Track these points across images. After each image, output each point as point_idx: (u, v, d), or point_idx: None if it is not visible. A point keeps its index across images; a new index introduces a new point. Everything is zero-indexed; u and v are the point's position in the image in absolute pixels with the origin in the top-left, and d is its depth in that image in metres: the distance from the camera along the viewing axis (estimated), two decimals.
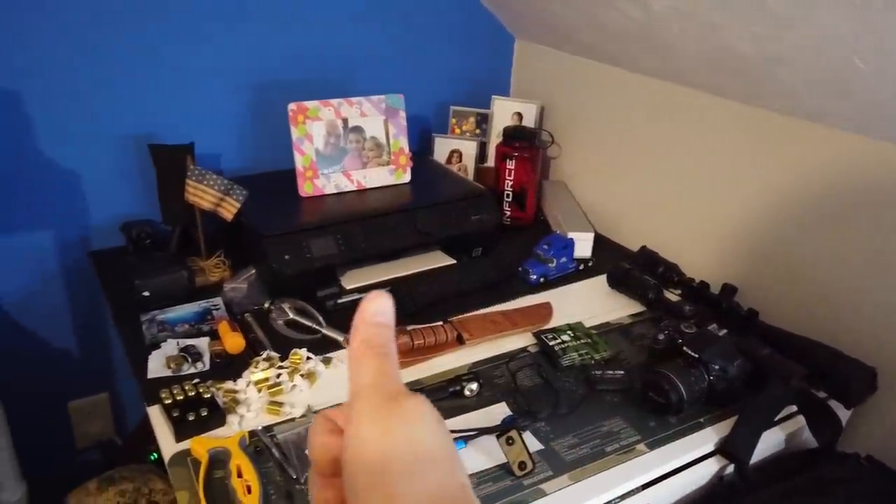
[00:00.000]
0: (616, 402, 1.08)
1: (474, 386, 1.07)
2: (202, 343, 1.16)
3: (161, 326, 1.21)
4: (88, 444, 1.65)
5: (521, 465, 0.92)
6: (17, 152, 1.35)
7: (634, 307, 1.34)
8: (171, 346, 1.15)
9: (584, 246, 1.47)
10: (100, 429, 1.64)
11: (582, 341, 1.20)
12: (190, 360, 1.11)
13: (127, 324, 1.22)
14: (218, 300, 1.29)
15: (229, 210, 1.31)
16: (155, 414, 1.01)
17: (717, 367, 1.04)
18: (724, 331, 1.09)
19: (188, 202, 1.31)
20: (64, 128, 1.37)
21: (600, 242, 1.53)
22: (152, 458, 1.58)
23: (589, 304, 1.35)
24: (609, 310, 1.33)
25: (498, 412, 1.04)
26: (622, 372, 1.12)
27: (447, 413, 1.03)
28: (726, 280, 1.30)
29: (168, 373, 1.10)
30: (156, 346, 1.15)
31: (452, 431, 0.97)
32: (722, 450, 1.01)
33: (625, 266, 1.38)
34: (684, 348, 1.05)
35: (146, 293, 1.23)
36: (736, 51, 1.16)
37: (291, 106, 1.37)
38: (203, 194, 1.30)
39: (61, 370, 1.55)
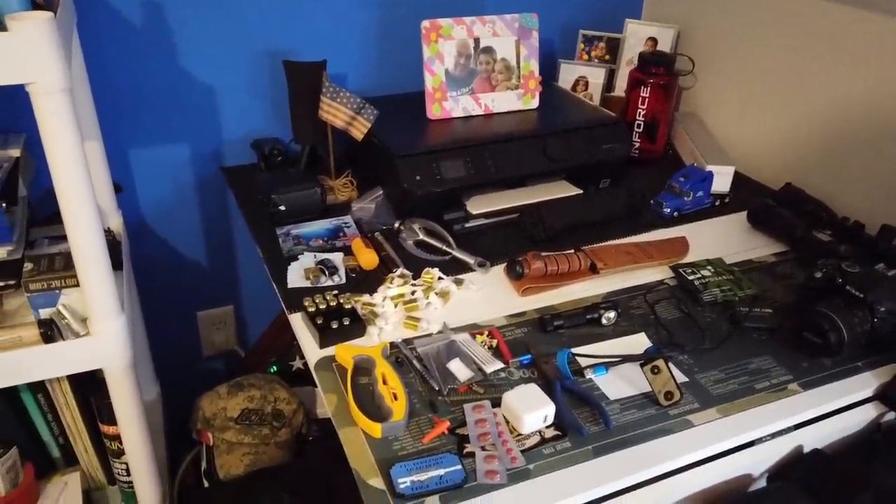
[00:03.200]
0: (764, 339, 1.03)
1: (612, 314, 1.04)
2: (337, 258, 1.18)
3: (297, 240, 1.23)
4: (213, 353, 1.74)
5: (668, 395, 0.89)
6: (153, 68, 1.39)
7: (778, 247, 1.26)
8: (308, 259, 1.17)
9: (723, 180, 1.39)
10: (224, 339, 1.73)
11: (724, 277, 1.15)
12: (327, 272, 1.13)
13: (264, 236, 1.25)
14: (348, 218, 1.30)
15: (360, 129, 1.31)
16: (297, 321, 1.04)
17: (883, 308, 0.96)
18: (895, 271, 1.00)
19: (321, 120, 1.31)
20: (198, 44, 1.39)
21: (738, 179, 1.44)
22: (272, 370, 1.66)
23: (727, 241, 1.28)
24: (750, 248, 1.26)
25: (638, 342, 1.01)
26: (770, 310, 1.06)
27: (584, 339, 1.01)
28: (886, 221, 1.20)
29: (307, 284, 1.12)
30: (293, 258, 1.18)
31: (594, 355, 0.95)
32: (882, 395, 0.94)
33: (768, 202, 1.29)
34: (847, 287, 0.98)
35: (282, 207, 1.26)
36: None
37: (425, 23, 1.34)
38: (336, 112, 1.30)
39: (192, 281, 1.63)
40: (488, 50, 1.39)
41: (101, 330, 1.06)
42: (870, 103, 1.26)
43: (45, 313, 1.08)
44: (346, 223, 1.29)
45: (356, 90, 1.56)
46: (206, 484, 1.43)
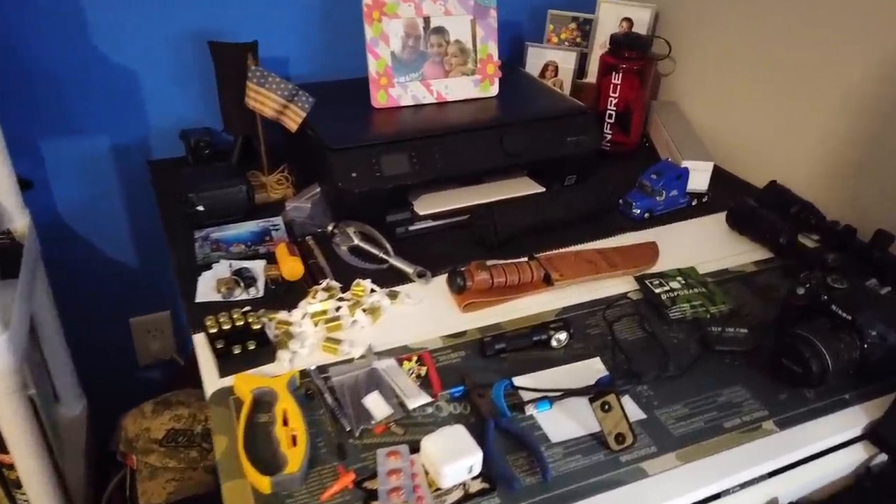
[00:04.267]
0: (737, 365, 0.89)
1: (563, 336, 0.90)
2: (257, 266, 1.04)
3: (215, 245, 1.09)
4: (150, 362, 1.60)
5: (619, 438, 0.76)
6: (71, 53, 1.24)
7: (760, 253, 1.12)
8: (223, 268, 1.03)
9: (700, 177, 1.25)
10: (161, 347, 1.59)
11: (695, 290, 1.01)
12: (243, 284, 0.99)
13: (179, 240, 1.11)
14: (278, 220, 1.16)
15: (293, 119, 1.16)
16: (200, 343, 0.90)
17: (874, 333, 0.82)
18: (888, 288, 0.87)
19: (248, 108, 1.17)
20: (119, 25, 1.24)
21: (718, 175, 1.30)
22: None
23: (703, 246, 1.14)
24: (728, 254, 1.12)
25: (591, 369, 0.87)
26: (745, 330, 0.92)
27: (530, 365, 0.87)
28: (880, 226, 1.06)
29: (218, 297, 0.98)
30: (207, 266, 1.04)
31: (536, 389, 0.81)
32: (872, 435, 0.81)
33: (750, 203, 1.15)
34: (833, 307, 0.84)
35: (200, 208, 1.12)
36: None
37: (366, 0, 1.19)
38: (265, 100, 1.15)
39: (123, 284, 1.49)
40: (440, 30, 1.24)
41: None
42: (868, 93, 1.11)
43: None
44: (274, 226, 1.14)
45: (297, 76, 1.42)
46: None
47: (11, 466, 1.09)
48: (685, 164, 1.24)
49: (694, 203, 1.25)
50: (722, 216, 1.20)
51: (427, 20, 1.23)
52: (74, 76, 1.26)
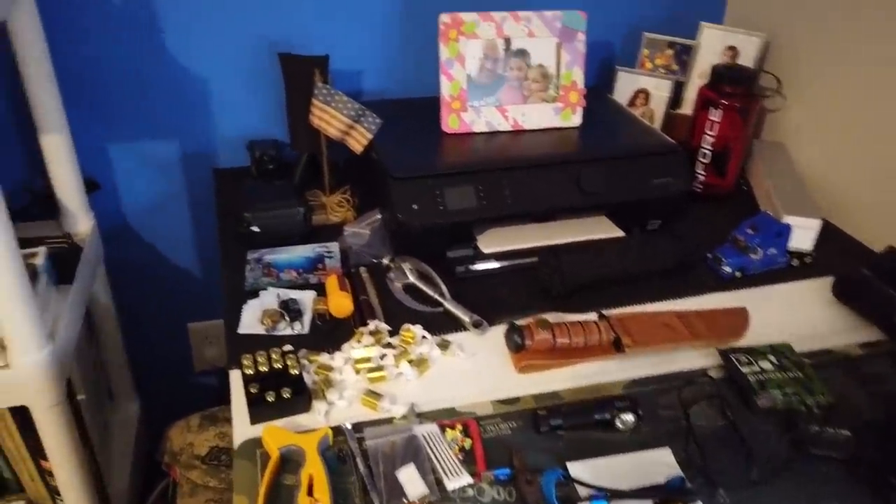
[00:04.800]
0: (835, 476, 0.76)
1: (629, 418, 0.80)
2: (306, 298, 0.98)
3: (266, 269, 1.04)
4: (205, 368, 1.59)
5: None
6: (144, 58, 1.22)
7: (869, 332, 0.97)
8: (270, 297, 0.98)
9: (804, 235, 1.10)
10: (217, 354, 1.57)
11: (789, 374, 0.88)
12: (288, 318, 0.94)
13: (232, 259, 1.06)
14: (334, 246, 1.10)
15: (359, 141, 1.10)
16: (235, 382, 0.85)
17: None
18: None
19: (313, 127, 1.11)
20: (193, 32, 1.22)
21: (826, 233, 1.15)
22: None
23: (802, 317, 1.00)
24: (831, 331, 0.98)
25: (659, 463, 0.76)
26: (847, 432, 0.79)
27: (589, 448, 0.77)
28: None
29: (261, 329, 0.93)
30: (255, 293, 0.99)
31: (593, 486, 0.71)
32: None
33: (862, 271, 1.00)
34: None
35: (255, 228, 1.07)
36: None
37: (443, 17, 1.11)
38: (330, 119, 1.09)
39: (183, 289, 1.48)
40: (521, 53, 1.15)
41: (19, 364, 0.91)
42: None
43: None
44: (328, 252, 1.09)
45: (371, 91, 1.36)
46: None
47: (52, 473, 1.08)
48: (788, 219, 1.10)
49: (795, 264, 1.10)
50: (827, 282, 1.05)
51: (508, 41, 1.14)
52: (147, 81, 1.24)
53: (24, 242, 0.89)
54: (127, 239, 1.38)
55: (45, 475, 1.12)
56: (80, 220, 1.20)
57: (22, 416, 1.03)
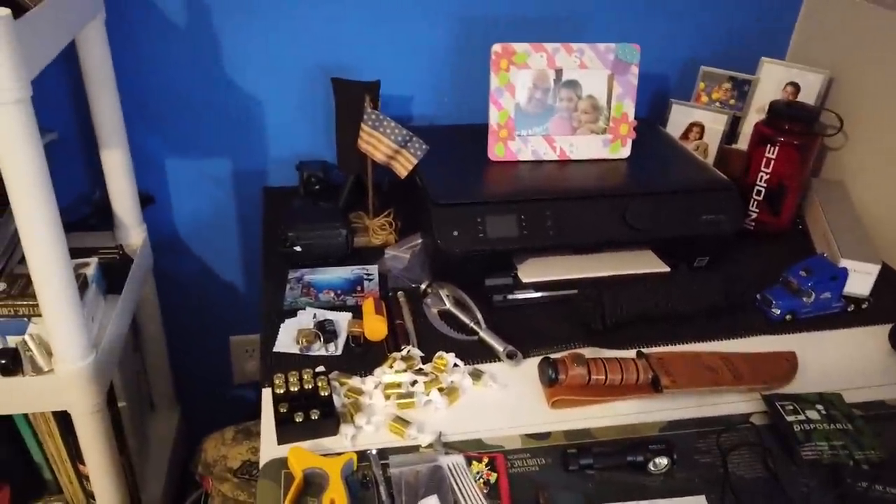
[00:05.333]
0: None
1: (664, 461, 0.77)
2: (342, 319, 0.98)
3: (306, 289, 1.05)
4: (244, 381, 1.61)
5: None
6: (201, 77, 1.26)
7: None
8: (307, 317, 0.99)
9: (862, 280, 1.05)
10: (255, 368, 1.59)
11: (838, 426, 0.83)
12: (322, 339, 0.94)
13: (274, 276, 1.08)
14: (373, 269, 1.10)
15: (404, 165, 1.10)
16: (266, 400, 0.85)
17: None
18: None
19: (360, 150, 1.12)
20: (246, 51, 1.25)
21: (886, 277, 1.09)
22: None
23: (855, 366, 0.95)
24: (886, 382, 0.92)
25: None
26: None
27: (619, 491, 0.75)
28: None
29: (296, 349, 0.93)
30: (293, 313, 1.00)
31: None
32: None
33: None
34: None
35: (297, 248, 1.09)
36: None
37: (496, 48, 1.11)
38: (377, 143, 1.10)
39: (227, 302, 1.51)
40: (572, 84, 1.14)
41: (64, 369, 0.94)
42: None
43: (12, 341, 0.96)
44: (368, 274, 1.09)
45: (421, 115, 1.37)
46: None
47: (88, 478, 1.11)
48: (845, 262, 1.05)
49: (850, 309, 1.05)
50: (884, 330, 1.00)
51: (559, 72, 1.13)
52: (203, 99, 1.28)
53: (78, 252, 0.93)
54: (176, 251, 1.42)
55: (83, 479, 1.15)
56: (133, 233, 1.24)
57: (64, 420, 1.06)
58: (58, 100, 1.23)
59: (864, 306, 1.06)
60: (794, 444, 0.80)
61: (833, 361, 0.96)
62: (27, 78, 0.74)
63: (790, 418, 0.83)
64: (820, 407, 0.86)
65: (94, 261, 1.06)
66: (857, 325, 1.03)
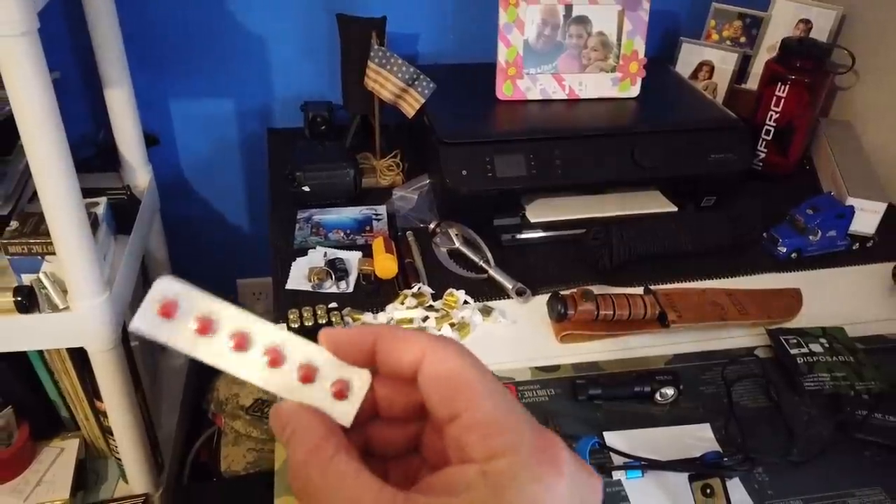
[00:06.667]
0: (879, 461, 0.74)
1: (670, 391, 0.79)
2: (352, 258, 0.99)
3: (316, 229, 1.06)
4: None
5: None
6: (204, 15, 1.24)
7: None
8: (318, 256, 1.00)
9: (868, 219, 1.06)
10: (263, 310, 1.61)
11: (840, 358, 0.85)
12: (334, 276, 0.95)
13: (282, 217, 1.08)
14: (382, 210, 1.11)
15: (411, 105, 1.10)
16: None
17: None
18: None
19: (367, 89, 1.11)
20: None
21: (891, 217, 1.10)
22: None
23: (858, 302, 0.97)
24: (888, 317, 0.94)
25: (697, 438, 0.76)
26: None
27: (626, 419, 0.77)
28: None
29: (308, 286, 0.95)
30: (303, 251, 1.01)
31: (628, 455, 0.71)
32: None
33: None
34: None
35: (306, 188, 1.09)
36: None
37: None
38: (384, 82, 1.09)
39: (233, 245, 1.52)
40: (582, 20, 1.13)
41: (79, 306, 0.95)
42: None
43: (27, 279, 0.97)
44: (377, 214, 1.10)
45: (428, 54, 1.35)
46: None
47: (105, 413, 1.14)
48: (851, 201, 1.05)
49: (855, 247, 1.06)
50: (888, 268, 1.01)
51: (569, 8, 1.11)
52: (207, 41, 1.26)
53: (86, 192, 0.92)
54: (182, 193, 1.42)
55: (100, 416, 1.18)
56: (140, 174, 1.24)
57: (80, 357, 1.08)
58: (59, 38, 1.21)
59: (868, 245, 1.07)
60: (797, 376, 0.82)
61: (836, 298, 0.97)
62: (34, 9, 0.72)
63: (793, 351, 0.85)
64: (823, 340, 0.87)
65: (103, 200, 1.06)
66: (862, 263, 1.04)
